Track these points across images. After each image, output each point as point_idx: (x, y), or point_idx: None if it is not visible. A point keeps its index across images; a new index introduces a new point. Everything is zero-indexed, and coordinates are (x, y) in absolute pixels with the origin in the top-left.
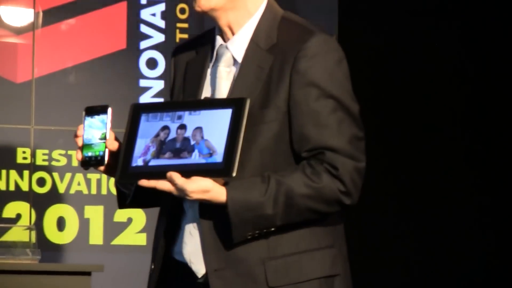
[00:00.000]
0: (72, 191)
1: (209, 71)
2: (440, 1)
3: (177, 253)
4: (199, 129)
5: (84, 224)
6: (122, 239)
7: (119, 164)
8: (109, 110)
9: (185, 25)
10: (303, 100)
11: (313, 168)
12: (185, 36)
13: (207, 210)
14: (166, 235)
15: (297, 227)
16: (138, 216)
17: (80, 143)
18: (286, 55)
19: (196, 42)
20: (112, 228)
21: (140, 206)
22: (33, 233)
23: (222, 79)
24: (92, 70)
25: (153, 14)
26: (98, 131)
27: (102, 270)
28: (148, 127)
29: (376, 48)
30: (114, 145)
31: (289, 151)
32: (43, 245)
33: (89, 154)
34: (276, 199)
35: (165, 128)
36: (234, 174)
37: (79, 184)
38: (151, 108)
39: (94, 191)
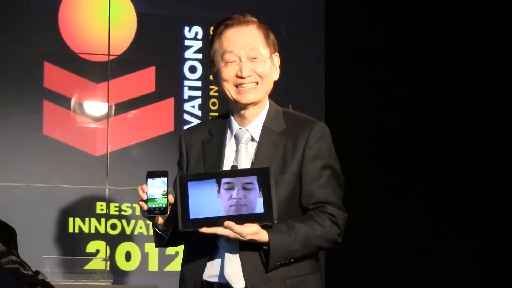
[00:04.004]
0: (136, 233)
1: (228, 148)
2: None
3: (213, 276)
4: (238, 188)
5: (144, 256)
6: (172, 267)
7: (178, 217)
8: (168, 174)
9: (216, 114)
10: (312, 169)
11: (319, 216)
12: None
13: (245, 245)
14: (202, 264)
15: (303, 259)
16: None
17: (145, 197)
18: (299, 136)
19: (206, 127)
20: (165, 259)
21: (171, 245)
22: (108, 263)
23: (242, 153)
24: (149, 147)
25: (193, 106)
26: (159, 189)
27: None
28: (196, 190)
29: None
30: (172, 200)
31: (297, 204)
32: (115, 272)
33: (153, 205)
34: (299, 239)
35: (210, 189)
36: (276, 221)
37: (140, 227)
38: (193, 177)
39: (151, 232)
